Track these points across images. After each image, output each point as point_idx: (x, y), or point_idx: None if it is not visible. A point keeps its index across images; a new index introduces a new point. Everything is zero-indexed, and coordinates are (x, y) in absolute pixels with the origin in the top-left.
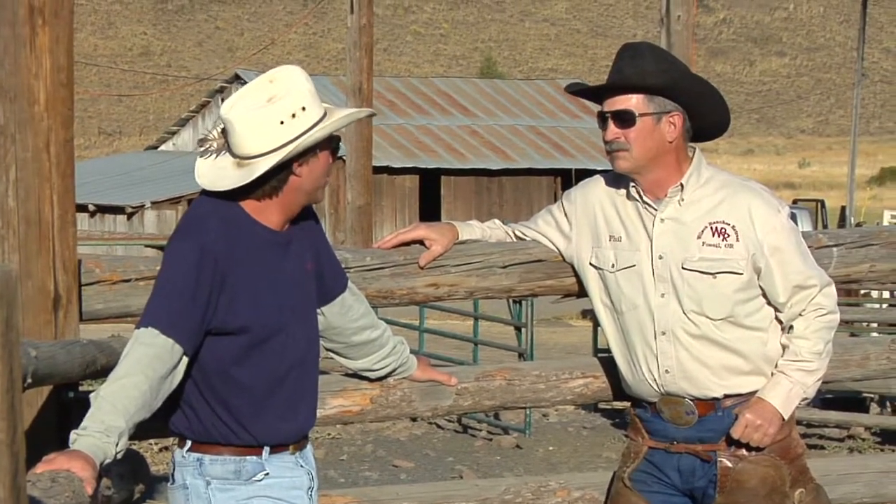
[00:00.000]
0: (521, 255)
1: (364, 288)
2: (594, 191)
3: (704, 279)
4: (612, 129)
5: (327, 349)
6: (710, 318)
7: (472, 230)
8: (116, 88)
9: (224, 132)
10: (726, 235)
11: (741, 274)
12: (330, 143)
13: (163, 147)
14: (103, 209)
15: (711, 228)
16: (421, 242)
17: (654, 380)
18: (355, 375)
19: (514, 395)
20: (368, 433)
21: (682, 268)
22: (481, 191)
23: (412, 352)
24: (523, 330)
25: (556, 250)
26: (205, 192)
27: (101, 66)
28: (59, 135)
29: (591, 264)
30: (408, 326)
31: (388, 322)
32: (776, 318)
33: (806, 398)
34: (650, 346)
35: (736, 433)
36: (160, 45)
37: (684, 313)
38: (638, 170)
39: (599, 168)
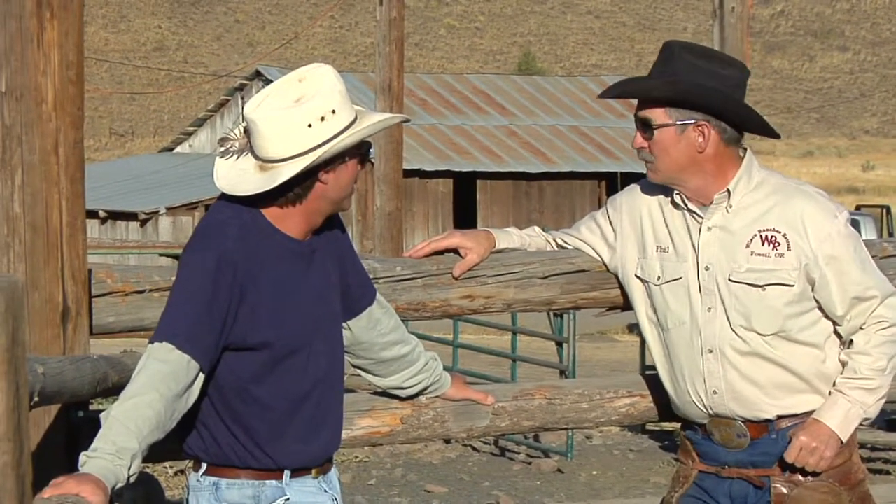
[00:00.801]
0: (562, 265)
1: (394, 300)
2: (641, 196)
3: (752, 292)
4: (638, 138)
5: (354, 366)
6: (760, 334)
7: (509, 238)
8: (129, 86)
9: (247, 132)
10: (776, 244)
11: (792, 286)
12: (359, 150)
13: (178, 149)
14: (115, 215)
15: (761, 237)
16: (455, 251)
17: (702, 401)
18: (384, 394)
19: (555, 415)
20: (398, 456)
21: (729, 279)
22: (520, 196)
23: (446, 369)
24: (565, 345)
25: (599, 260)
26: (223, 197)
27: (113, 63)
28: (69, 136)
29: (636, 276)
30: (441, 341)
31: (420, 337)
32: (835, 332)
33: (867, 418)
34: (697, 365)
35: (790, 457)
36: (176, 39)
37: (732, 329)
38: (669, 181)
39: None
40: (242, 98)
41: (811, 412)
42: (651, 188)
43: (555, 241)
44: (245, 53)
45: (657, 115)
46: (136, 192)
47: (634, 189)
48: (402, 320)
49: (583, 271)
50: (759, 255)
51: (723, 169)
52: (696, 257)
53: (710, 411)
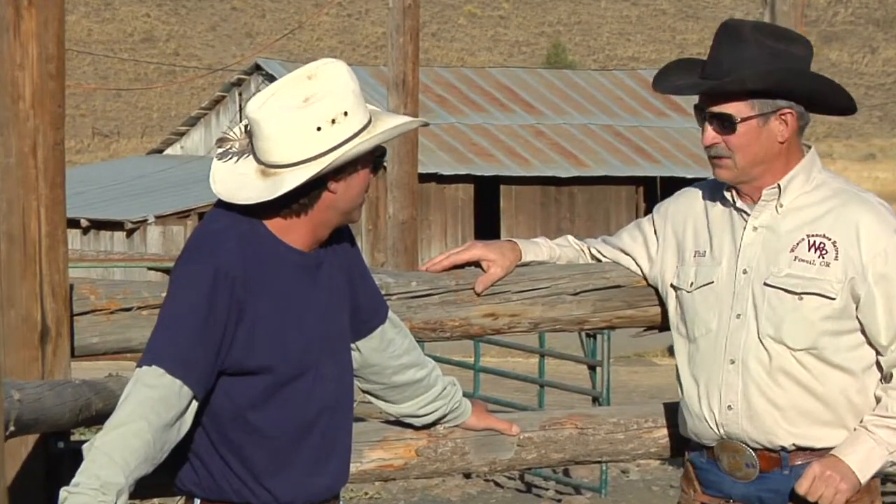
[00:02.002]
0: (595, 280)
1: (408, 318)
2: (687, 201)
3: (787, 299)
4: (711, 134)
5: (364, 391)
6: (789, 347)
7: (537, 249)
8: (114, 81)
9: (249, 132)
10: (824, 252)
11: (833, 299)
12: (373, 157)
13: (168, 151)
14: (99, 225)
15: (808, 242)
16: (477, 264)
17: (714, 417)
18: (397, 423)
19: (588, 446)
20: (413, 492)
21: (765, 284)
22: (548, 203)
23: (466, 395)
24: (598, 369)
25: (639, 272)
26: (220, 204)
27: (97, 55)
28: (48, 136)
29: (671, 285)
30: (460, 365)
31: (437, 359)
32: (878, 363)
33: (893, 463)
34: (716, 376)
35: (802, 487)
36: (166, 29)
37: (759, 338)
38: (742, 178)
39: (689, 176)
40: (240, 94)
41: (831, 450)
42: (700, 192)
43: (589, 250)
44: (243, 45)
45: (740, 108)
46: (121, 198)
47: (682, 194)
48: (418, 341)
49: (618, 287)
50: (803, 261)
51: (789, 161)
52: (735, 258)
53: (722, 431)
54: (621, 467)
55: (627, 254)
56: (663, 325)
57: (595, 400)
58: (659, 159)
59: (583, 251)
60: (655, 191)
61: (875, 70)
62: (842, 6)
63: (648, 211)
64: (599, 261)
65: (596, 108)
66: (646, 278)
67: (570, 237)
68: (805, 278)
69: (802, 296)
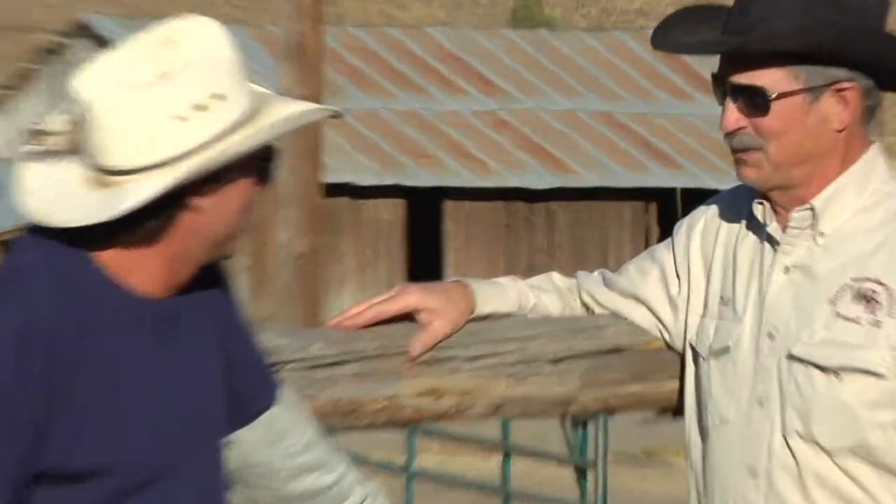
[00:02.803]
0: (585, 341)
1: (310, 397)
2: (722, 214)
3: (819, 379)
4: (733, 113)
5: None
6: (823, 448)
7: (500, 294)
8: None
9: (74, 122)
10: (875, 305)
11: (881, 376)
12: (257, 160)
13: None
14: None
15: (853, 290)
16: (411, 317)
17: None
18: None
19: None
20: None
21: (790, 356)
22: (515, 226)
23: None
24: (590, 472)
25: (655, 326)
26: (33, 230)
27: None
28: None
29: (690, 344)
30: (386, 467)
31: (353, 458)
32: None
33: None
34: (731, 491)
35: None
36: None
37: (784, 436)
38: (778, 183)
39: (723, 187)
40: (57, 67)
41: None
42: (738, 199)
43: (580, 294)
44: None
45: (777, 78)
46: None
47: (715, 202)
48: (325, 430)
49: (618, 350)
50: (846, 318)
51: (846, 161)
52: (759, 314)
53: None
54: None
55: (637, 298)
56: (682, 407)
57: None
58: (679, 162)
59: (571, 294)
60: (674, 208)
61: None
62: None
63: (664, 237)
64: (593, 311)
65: (585, 87)
66: (668, 332)
67: (554, 275)
68: (846, 346)
69: (839, 373)
